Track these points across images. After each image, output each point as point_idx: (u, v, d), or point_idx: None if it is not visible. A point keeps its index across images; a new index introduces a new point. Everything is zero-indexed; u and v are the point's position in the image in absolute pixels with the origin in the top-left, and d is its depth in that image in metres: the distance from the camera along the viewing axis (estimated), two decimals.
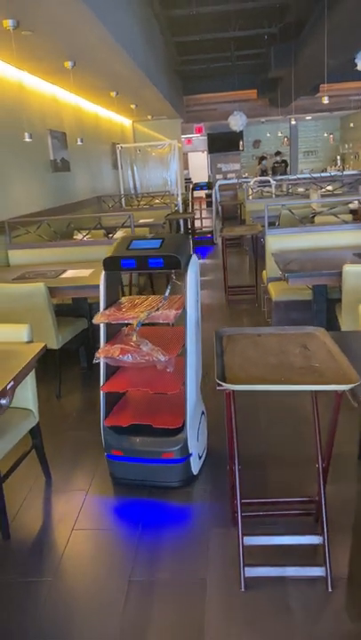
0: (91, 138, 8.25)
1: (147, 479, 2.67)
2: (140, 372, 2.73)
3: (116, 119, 10.63)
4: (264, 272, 5.11)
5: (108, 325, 2.65)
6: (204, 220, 11.67)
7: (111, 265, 2.60)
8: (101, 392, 2.69)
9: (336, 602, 1.91)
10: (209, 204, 11.15)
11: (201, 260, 8.93)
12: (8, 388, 2.04)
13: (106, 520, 2.52)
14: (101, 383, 2.68)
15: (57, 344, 3.75)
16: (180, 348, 2.59)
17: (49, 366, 3.88)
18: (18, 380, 2.15)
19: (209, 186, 10.91)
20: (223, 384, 1.74)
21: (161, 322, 2.57)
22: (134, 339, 2.53)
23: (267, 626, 1.85)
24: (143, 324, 2.57)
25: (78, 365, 4.36)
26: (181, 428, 2.59)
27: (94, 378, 4.12)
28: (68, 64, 5.38)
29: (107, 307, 2.68)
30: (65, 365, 4.15)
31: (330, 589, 1.95)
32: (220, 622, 1.87)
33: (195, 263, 2.56)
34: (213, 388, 1.91)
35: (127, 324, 2.71)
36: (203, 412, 2.89)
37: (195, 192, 10.87)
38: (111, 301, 2.75)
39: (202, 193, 11.58)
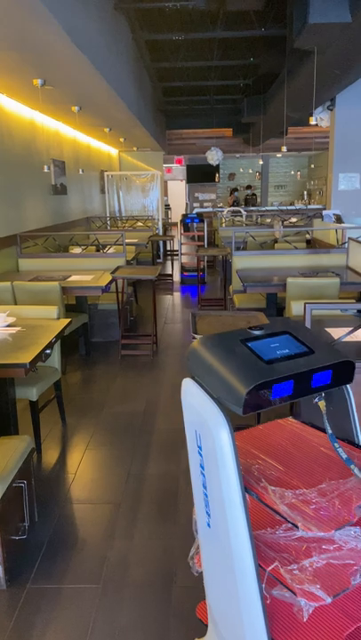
0: (84, 165, 9.38)
1: None
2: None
3: (105, 149, 11.82)
4: (231, 286, 6.23)
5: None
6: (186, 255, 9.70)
7: (259, 397, 1.29)
8: None
9: None
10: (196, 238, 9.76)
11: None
12: (52, 341, 3.06)
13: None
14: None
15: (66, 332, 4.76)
16: None
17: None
18: (57, 337, 3.17)
19: (200, 217, 9.71)
20: (195, 335, 2.81)
21: None
22: None
23: None
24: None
25: (78, 352, 5.37)
26: None
27: (90, 362, 5.16)
28: (75, 108, 6.54)
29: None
30: (66, 352, 5.15)
31: None
32: None
33: None
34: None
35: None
36: None
37: (182, 223, 9.66)
38: None
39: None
